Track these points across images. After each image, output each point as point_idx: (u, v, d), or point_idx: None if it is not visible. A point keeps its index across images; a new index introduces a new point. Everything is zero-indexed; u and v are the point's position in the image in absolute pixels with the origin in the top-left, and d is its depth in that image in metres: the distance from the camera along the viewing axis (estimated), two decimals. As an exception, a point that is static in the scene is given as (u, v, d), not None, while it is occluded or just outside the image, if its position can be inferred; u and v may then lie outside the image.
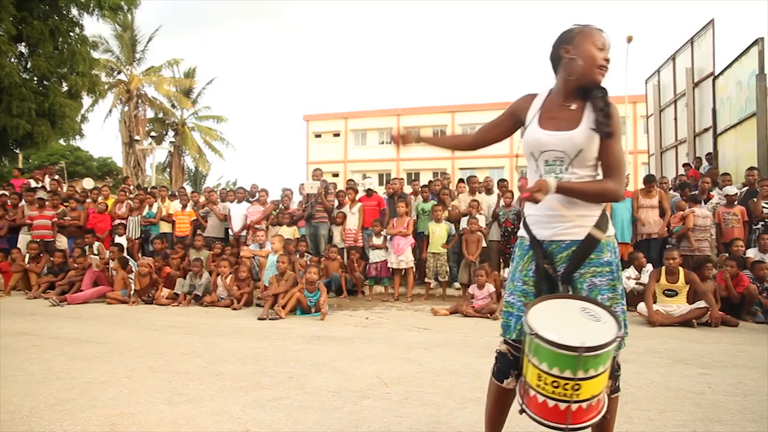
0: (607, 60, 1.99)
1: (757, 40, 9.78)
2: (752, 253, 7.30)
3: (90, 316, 6.95)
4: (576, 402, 1.74)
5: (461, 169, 33.03)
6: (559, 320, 1.82)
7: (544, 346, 1.73)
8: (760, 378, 3.84)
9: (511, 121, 2.23)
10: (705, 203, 8.27)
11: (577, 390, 1.72)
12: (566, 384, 1.72)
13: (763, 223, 7.79)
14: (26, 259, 9.50)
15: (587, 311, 1.85)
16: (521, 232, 2.18)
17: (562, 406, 1.75)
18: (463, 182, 10.00)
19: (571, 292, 2.02)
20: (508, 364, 2.07)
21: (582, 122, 2.00)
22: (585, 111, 2.02)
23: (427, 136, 2.44)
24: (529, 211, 2.15)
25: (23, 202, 10.45)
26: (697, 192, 8.63)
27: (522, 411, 1.89)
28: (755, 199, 7.97)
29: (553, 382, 1.74)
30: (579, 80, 2.02)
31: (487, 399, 2.21)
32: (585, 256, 1.99)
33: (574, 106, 2.04)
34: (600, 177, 2.04)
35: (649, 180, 8.54)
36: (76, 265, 8.87)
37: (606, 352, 1.72)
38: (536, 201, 1.91)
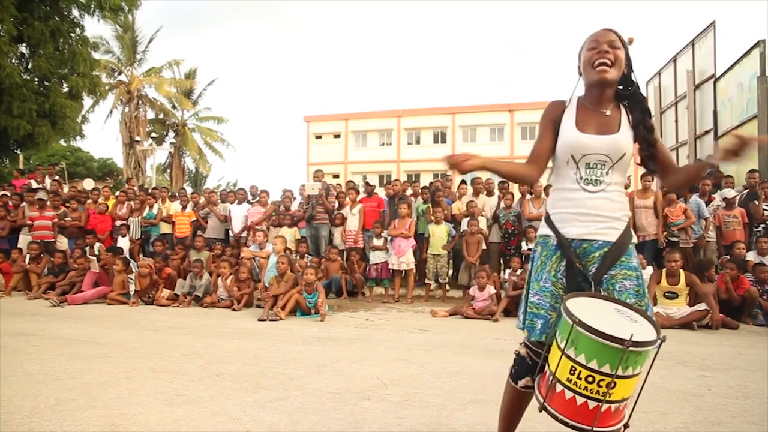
0: (601, 52, 1.99)
1: (758, 42, 9.80)
2: (752, 256, 7.30)
3: (90, 316, 6.94)
4: (607, 402, 1.67)
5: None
6: (599, 315, 1.76)
7: (588, 335, 1.66)
8: (761, 380, 3.84)
9: (554, 132, 2.13)
10: (707, 205, 8.26)
11: (611, 388, 1.65)
12: (602, 380, 1.66)
13: (764, 225, 7.80)
14: (27, 260, 9.50)
15: (622, 312, 1.81)
16: (545, 230, 2.12)
17: (592, 404, 1.68)
18: (465, 184, 10.01)
19: (601, 294, 1.98)
20: (527, 369, 2.03)
21: (622, 127, 2.02)
22: (621, 116, 2.05)
23: (489, 160, 2.06)
24: (555, 209, 2.11)
25: (24, 203, 10.46)
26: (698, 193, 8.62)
27: (542, 409, 1.80)
28: (756, 202, 7.97)
29: (588, 377, 1.67)
30: (591, 85, 2.07)
31: (502, 400, 2.20)
32: (617, 258, 1.98)
33: (608, 112, 2.05)
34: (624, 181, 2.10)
35: (646, 173, 8.56)
36: (76, 266, 8.87)
37: (647, 351, 1.67)
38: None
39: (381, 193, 10.75)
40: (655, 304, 6.34)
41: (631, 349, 1.62)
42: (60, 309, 7.62)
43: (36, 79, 14.53)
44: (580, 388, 1.69)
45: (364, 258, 9.06)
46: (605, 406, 1.67)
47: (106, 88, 23.09)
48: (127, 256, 9.05)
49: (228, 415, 3.00)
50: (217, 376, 3.84)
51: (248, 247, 9.20)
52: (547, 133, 2.13)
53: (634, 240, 2.05)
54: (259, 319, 6.65)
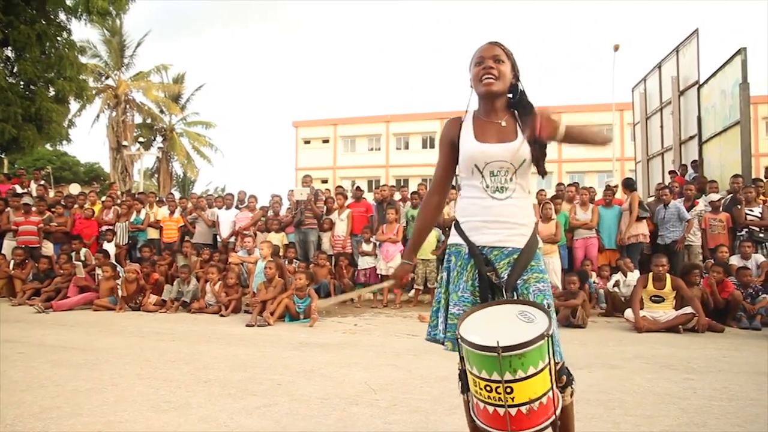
0: (486, 68, 2.08)
1: (740, 49, 9.95)
2: (735, 260, 7.39)
3: (76, 323, 6.87)
4: (512, 406, 1.72)
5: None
6: (490, 324, 1.83)
7: (469, 348, 1.77)
8: (745, 383, 3.89)
9: (453, 153, 2.21)
10: (689, 210, 8.36)
11: (510, 393, 1.71)
12: (497, 387, 1.72)
13: (747, 229, 7.91)
14: (11, 265, 9.38)
15: (525, 314, 1.85)
16: (455, 239, 2.16)
17: (501, 411, 1.74)
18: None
19: (515, 298, 2.02)
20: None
21: (519, 135, 2.08)
22: (517, 125, 2.11)
23: (410, 255, 2.35)
24: (464, 217, 2.15)
25: (9, 208, 10.33)
26: (682, 198, 8.73)
27: (471, 420, 1.92)
28: (739, 207, 8.08)
29: (486, 386, 1.75)
30: (481, 97, 2.16)
31: (465, 414, 2.22)
32: (527, 263, 2.04)
33: (504, 123, 2.12)
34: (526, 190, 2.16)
35: (628, 185, 8.73)
36: (62, 272, 8.78)
37: (531, 351, 1.70)
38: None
39: (370, 198, 10.75)
40: (641, 308, 6.39)
41: (505, 354, 1.68)
42: (45, 315, 7.53)
43: (22, 83, 14.38)
44: (484, 397, 1.78)
45: (352, 263, 9.05)
46: (513, 410, 1.73)
47: (93, 92, 22.95)
48: (113, 261, 8.98)
49: (215, 422, 2.98)
50: (205, 383, 3.82)
51: (236, 252, 9.17)
52: (446, 155, 2.23)
53: (540, 245, 2.14)
54: (247, 325, 6.62)
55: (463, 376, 2.09)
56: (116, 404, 3.29)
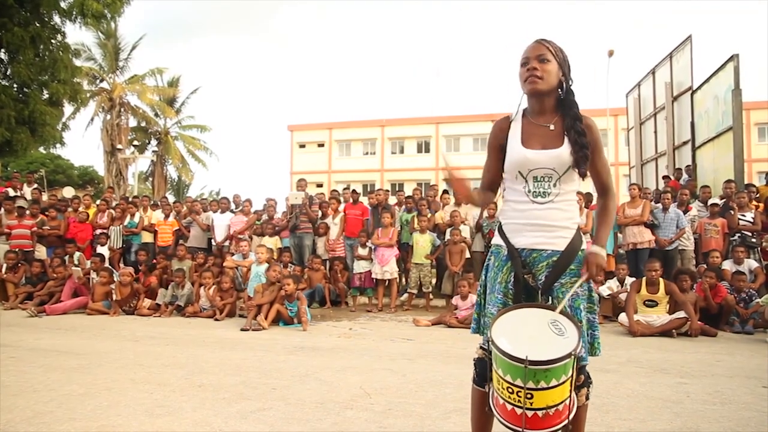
0: (530, 69, 2.07)
1: (732, 56, 10.02)
2: (728, 265, 7.42)
3: (69, 327, 6.84)
4: (529, 409, 1.81)
5: (445, 180, 33.18)
6: (522, 330, 1.88)
7: (497, 353, 1.85)
8: (738, 387, 3.91)
9: (500, 157, 2.20)
10: (684, 214, 8.39)
11: (529, 399, 1.80)
12: (519, 391, 1.81)
13: (739, 234, 7.95)
14: (3, 269, 9.33)
15: (556, 324, 1.89)
16: (497, 239, 2.20)
17: (518, 411, 1.83)
18: (448, 193, 10.06)
19: (549, 302, 2.04)
20: (486, 368, 2.09)
21: (564, 141, 2.08)
22: (563, 129, 2.11)
23: (472, 196, 2.21)
24: (506, 219, 2.18)
25: (2, 211, 10.28)
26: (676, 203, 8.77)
27: (489, 410, 2.00)
28: (732, 212, 8.12)
29: (508, 387, 1.85)
30: (528, 96, 2.16)
31: (471, 407, 2.24)
32: (566, 267, 2.04)
33: (552, 126, 2.11)
34: (576, 192, 2.18)
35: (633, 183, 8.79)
36: (55, 275, 8.73)
37: (556, 367, 1.77)
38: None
39: (365, 201, 10.75)
40: (635, 312, 6.42)
41: (531, 367, 1.76)
42: (38, 319, 7.49)
43: (15, 86, 14.28)
44: (505, 396, 1.88)
45: (347, 267, 9.05)
46: (530, 413, 1.82)
47: (88, 95, 22.82)
48: (107, 265, 8.94)
49: (209, 426, 2.97)
50: (199, 387, 3.81)
51: (232, 256, 9.15)
52: (494, 159, 2.25)
53: (584, 247, 2.12)
54: (242, 329, 6.60)
55: (479, 365, 2.15)
56: (110, 409, 3.27)
